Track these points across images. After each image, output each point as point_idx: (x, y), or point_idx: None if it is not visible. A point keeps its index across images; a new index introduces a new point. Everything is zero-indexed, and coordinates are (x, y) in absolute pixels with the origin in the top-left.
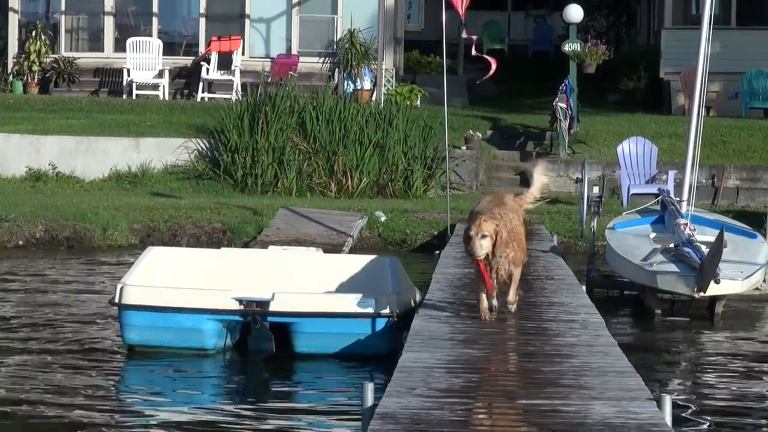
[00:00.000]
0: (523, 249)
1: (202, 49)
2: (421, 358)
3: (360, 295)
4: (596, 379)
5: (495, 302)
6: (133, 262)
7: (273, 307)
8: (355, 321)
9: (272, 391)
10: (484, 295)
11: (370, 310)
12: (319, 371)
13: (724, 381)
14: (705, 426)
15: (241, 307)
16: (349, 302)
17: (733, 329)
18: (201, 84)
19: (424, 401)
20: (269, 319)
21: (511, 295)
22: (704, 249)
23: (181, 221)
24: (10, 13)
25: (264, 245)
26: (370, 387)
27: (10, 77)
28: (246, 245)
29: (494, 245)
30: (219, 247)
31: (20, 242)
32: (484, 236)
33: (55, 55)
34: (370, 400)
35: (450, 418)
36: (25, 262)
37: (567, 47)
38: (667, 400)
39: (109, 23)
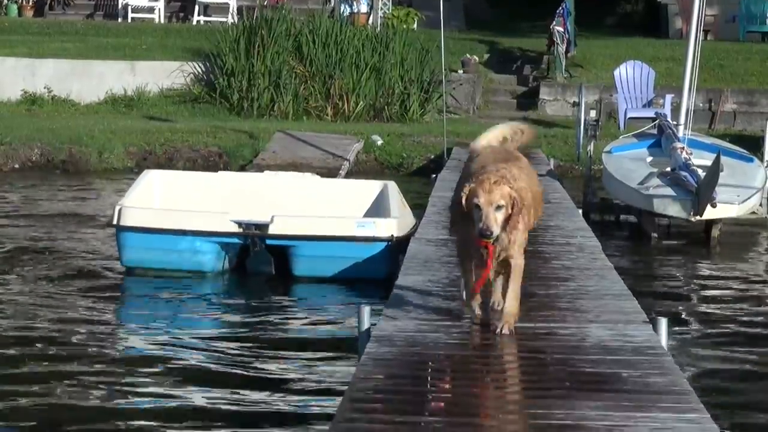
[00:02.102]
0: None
1: None
2: (417, 281)
3: (359, 219)
4: (592, 302)
5: (478, 309)
6: (129, 185)
7: (272, 230)
8: (353, 244)
9: (270, 313)
10: (474, 302)
11: (369, 233)
12: (317, 294)
13: (720, 304)
14: (700, 349)
15: (240, 230)
16: (348, 225)
17: (729, 253)
18: (197, 7)
19: (419, 324)
20: (268, 242)
21: (509, 301)
22: (701, 173)
23: (177, 145)
24: None
25: (260, 169)
26: (366, 310)
27: (5, 0)
28: (242, 169)
29: (505, 220)
30: (216, 171)
31: (16, 165)
32: (499, 207)
33: None
34: (366, 323)
35: (446, 340)
36: (21, 185)
37: None
38: (663, 323)
39: None
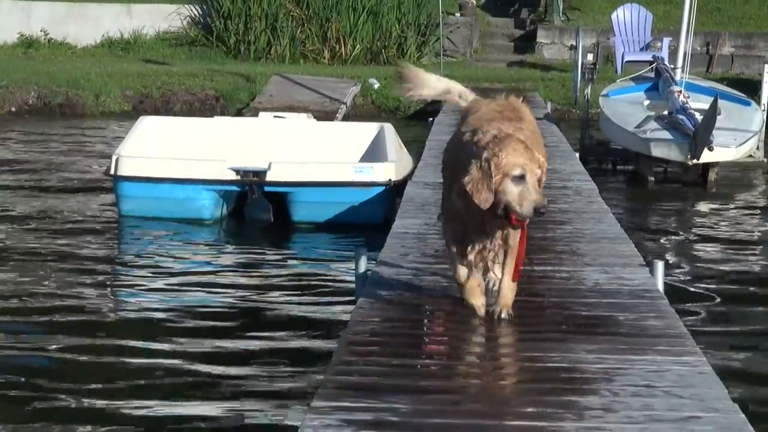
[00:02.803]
0: None
1: None
2: (414, 225)
3: (357, 164)
4: (589, 245)
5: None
6: (126, 130)
7: (269, 176)
8: (351, 189)
9: (268, 259)
10: (464, 269)
11: (367, 178)
12: (315, 240)
13: (716, 247)
14: (697, 292)
15: (238, 177)
16: (346, 171)
17: (725, 196)
18: None
19: (416, 267)
20: (266, 188)
21: (506, 282)
22: (698, 116)
23: (174, 88)
24: None
25: (257, 112)
26: (363, 253)
27: None
28: (239, 112)
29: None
30: (212, 115)
31: (13, 108)
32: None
33: None
34: (363, 266)
35: (443, 283)
36: (18, 128)
37: None
38: (659, 266)
39: None
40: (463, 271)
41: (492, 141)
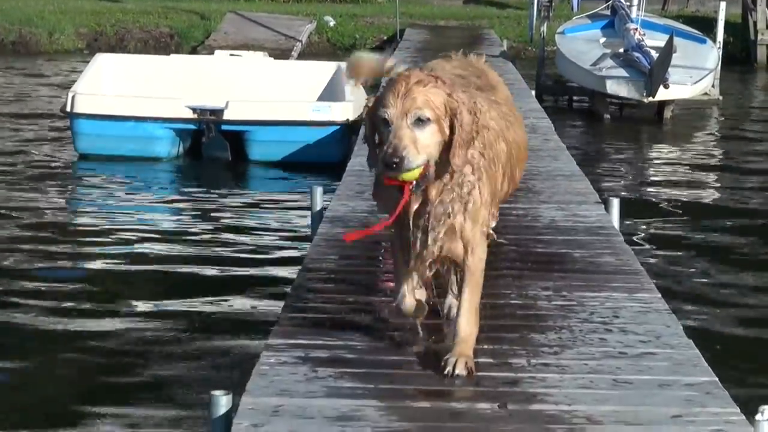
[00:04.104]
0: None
1: None
2: None
3: (314, 103)
4: (544, 182)
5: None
6: (81, 68)
7: (227, 115)
8: (309, 129)
9: (226, 197)
10: (405, 286)
11: (324, 117)
12: (272, 178)
13: (672, 185)
14: (652, 228)
15: (195, 116)
16: (304, 110)
17: (681, 134)
18: None
19: (372, 205)
20: (223, 127)
21: (462, 323)
22: (654, 54)
23: (128, 25)
24: None
25: (212, 50)
26: (318, 191)
27: None
28: (194, 50)
29: (445, 148)
30: (167, 53)
31: None
32: (421, 121)
33: None
34: (319, 203)
35: None
36: None
37: None
38: (615, 203)
39: None
40: (404, 290)
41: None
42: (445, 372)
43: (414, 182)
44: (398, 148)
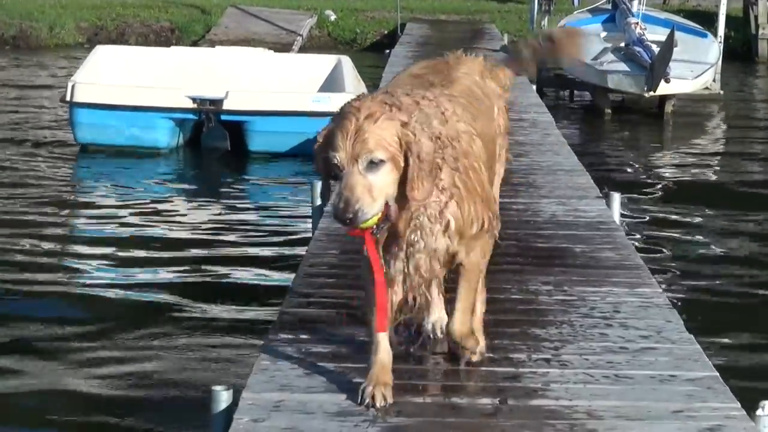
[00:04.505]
0: (487, 199)
1: None
2: None
3: (314, 93)
4: (545, 177)
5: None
6: (81, 61)
7: (226, 105)
8: (309, 119)
9: (225, 189)
10: (381, 336)
11: (325, 108)
12: (272, 170)
13: (673, 179)
14: (653, 223)
15: (194, 105)
16: (304, 100)
17: (682, 128)
18: None
19: None
20: (222, 117)
21: (457, 318)
22: (655, 48)
23: (129, 20)
24: None
25: (212, 44)
26: (319, 185)
27: None
28: (194, 44)
29: (404, 183)
30: (168, 47)
31: None
32: (373, 164)
33: None
34: (319, 198)
35: None
36: None
37: None
38: (616, 198)
39: None
40: (378, 339)
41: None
42: (461, 365)
43: (375, 227)
44: (350, 202)
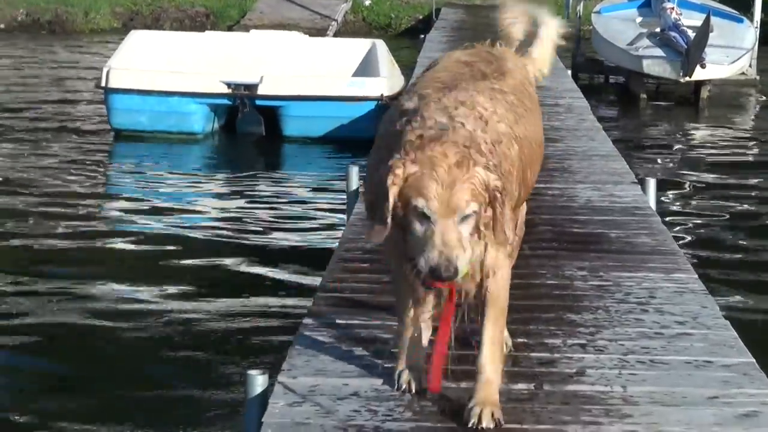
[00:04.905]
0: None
1: None
2: None
3: (349, 78)
4: (581, 162)
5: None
6: (116, 47)
7: (261, 90)
8: (343, 104)
9: (260, 174)
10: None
11: (359, 92)
12: (307, 154)
13: (708, 165)
14: (688, 209)
15: (229, 90)
16: (338, 85)
17: (718, 114)
18: None
19: None
20: (257, 102)
21: (486, 362)
22: (690, 33)
23: (164, 4)
24: None
25: (247, 29)
26: (354, 170)
27: None
28: (229, 29)
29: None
30: (203, 30)
31: (2, 26)
32: (466, 217)
33: None
34: (354, 183)
35: None
36: (7, 45)
37: None
38: (651, 183)
39: None
40: (408, 304)
41: (410, 140)
42: (470, 425)
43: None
44: (451, 259)
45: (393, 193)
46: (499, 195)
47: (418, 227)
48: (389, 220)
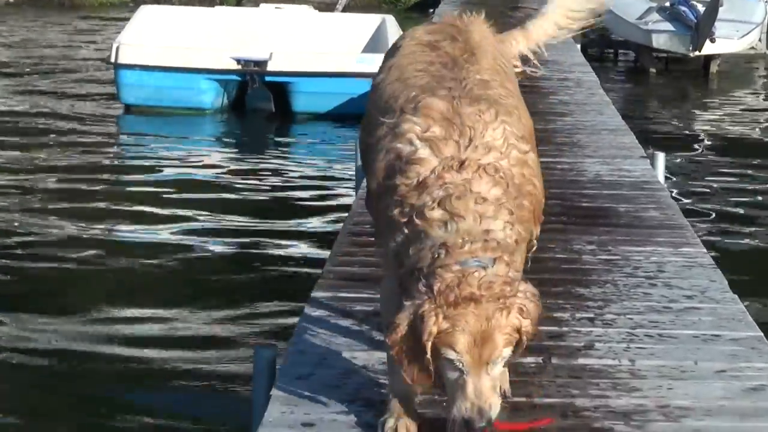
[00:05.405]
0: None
1: None
2: None
3: (358, 54)
4: (590, 136)
5: None
6: (126, 21)
7: (271, 66)
8: (353, 80)
9: (269, 150)
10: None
11: (369, 68)
12: (316, 131)
13: (717, 138)
14: (697, 183)
15: (239, 67)
16: (347, 61)
17: (727, 88)
18: None
19: None
20: (267, 78)
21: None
22: (700, 8)
23: None
24: None
25: (257, 4)
26: None
27: None
28: (239, 4)
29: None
30: (212, 6)
31: (11, 0)
32: (497, 362)
33: None
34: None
35: None
36: (16, 18)
37: None
38: (660, 158)
39: None
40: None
41: (440, 290)
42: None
43: None
44: (484, 412)
45: (429, 347)
46: (527, 338)
47: (450, 375)
48: (432, 369)
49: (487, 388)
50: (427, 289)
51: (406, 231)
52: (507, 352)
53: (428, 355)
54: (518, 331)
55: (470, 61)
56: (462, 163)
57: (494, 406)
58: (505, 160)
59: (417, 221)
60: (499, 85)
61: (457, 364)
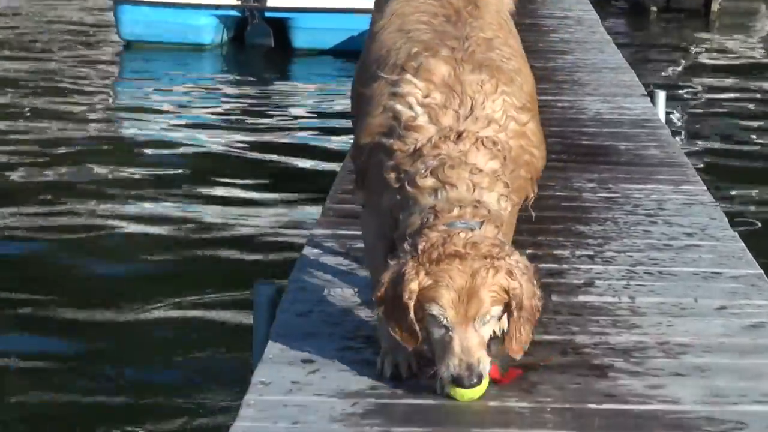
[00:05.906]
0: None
1: None
2: None
3: None
4: (590, 75)
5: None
6: None
7: (270, 1)
8: (353, 16)
9: (268, 88)
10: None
11: (369, 4)
12: (316, 67)
13: (718, 78)
14: (697, 121)
15: (239, 2)
16: None
17: (728, 26)
18: None
19: None
20: (266, 14)
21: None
22: None
23: None
24: None
25: None
26: None
27: None
28: None
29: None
30: None
31: None
32: (486, 320)
33: None
34: None
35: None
36: None
37: None
38: (661, 96)
39: None
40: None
41: (424, 249)
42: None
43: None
44: (473, 367)
45: (411, 306)
46: (517, 303)
47: (436, 332)
48: (417, 329)
49: (474, 344)
50: (412, 248)
51: (398, 197)
52: (495, 310)
53: (411, 315)
54: (506, 292)
55: (473, 15)
56: (460, 135)
57: (484, 363)
58: (503, 132)
59: (408, 188)
60: (502, 43)
61: (441, 319)
